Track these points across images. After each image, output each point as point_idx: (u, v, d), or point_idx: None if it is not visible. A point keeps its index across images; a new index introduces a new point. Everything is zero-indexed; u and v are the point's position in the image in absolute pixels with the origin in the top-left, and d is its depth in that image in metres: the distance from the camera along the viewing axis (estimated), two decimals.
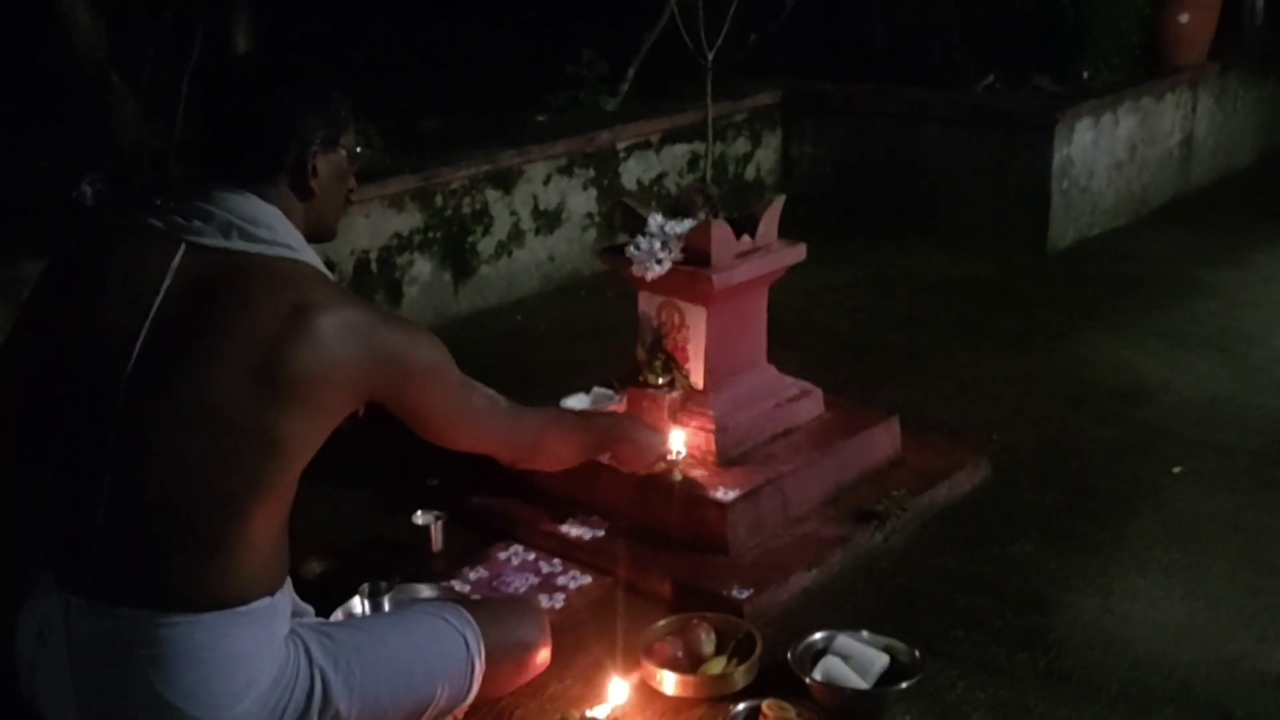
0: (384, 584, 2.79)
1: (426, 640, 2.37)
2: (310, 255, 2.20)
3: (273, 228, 2.15)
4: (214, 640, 2.09)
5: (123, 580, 2.09)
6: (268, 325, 2.05)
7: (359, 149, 2.36)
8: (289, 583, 2.29)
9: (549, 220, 5.40)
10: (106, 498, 2.09)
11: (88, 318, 2.13)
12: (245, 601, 2.12)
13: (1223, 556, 3.14)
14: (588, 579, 3.05)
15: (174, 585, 2.08)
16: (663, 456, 3.08)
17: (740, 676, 2.61)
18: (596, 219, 5.57)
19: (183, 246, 2.12)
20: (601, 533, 3.18)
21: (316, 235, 2.30)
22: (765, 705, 2.46)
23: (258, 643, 2.14)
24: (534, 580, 3.05)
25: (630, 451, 2.97)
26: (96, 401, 2.10)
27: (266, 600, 2.16)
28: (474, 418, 2.43)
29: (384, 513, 3.37)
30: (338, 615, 2.73)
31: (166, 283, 2.10)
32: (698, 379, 3.31)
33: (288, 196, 2.21)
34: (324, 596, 2.77)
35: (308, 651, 2.22)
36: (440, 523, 3.20)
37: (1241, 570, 3.08)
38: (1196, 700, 2.59)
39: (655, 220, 3.23)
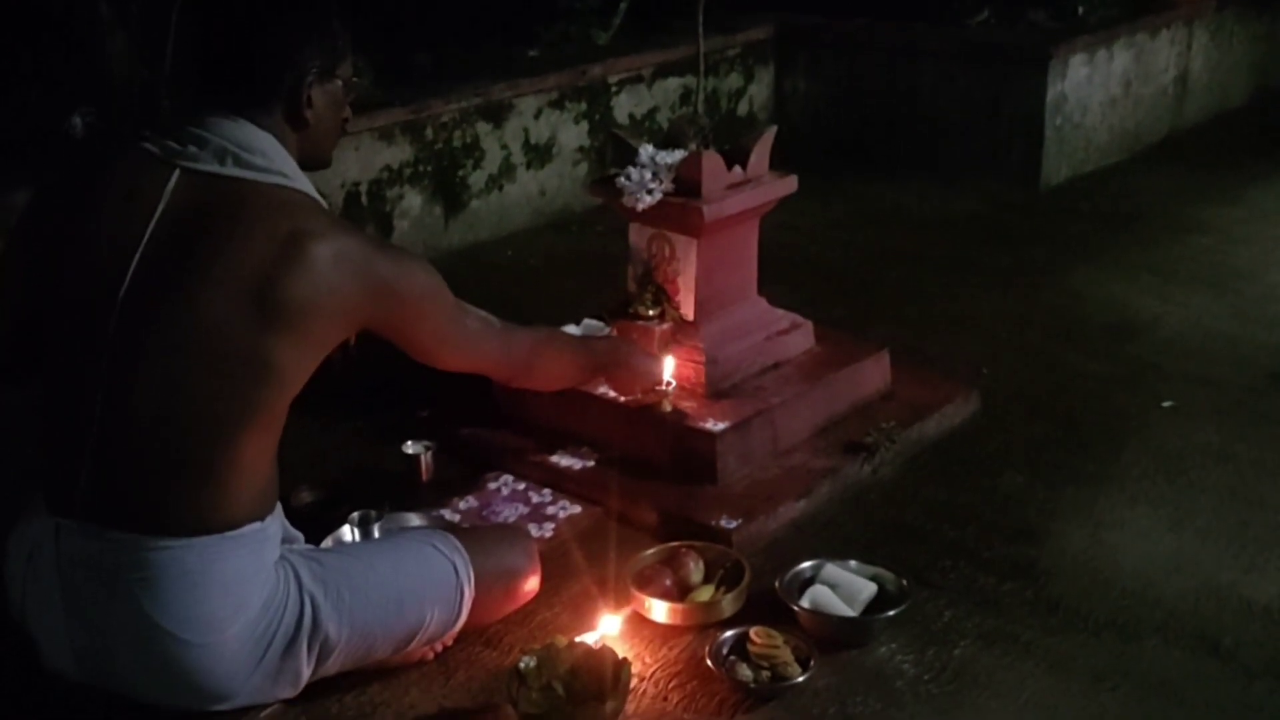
0: (374, 513, 2.80)
1: (416, 567, 2.38)
2: (305, 184, 2.20)
3: (268, 155, 2.15)
4: (204, 565, 2.10)
5: (113, 503, 2.09)
6: (263, 252, 2.05)
7: (355, 79, 2.34)
8: (279, 509, 2.30)
9: (540, 154, 5.36)
10: (98, 420, 2.09)
11: (82, 240, 2.12)
12: (236, 526, 2.13)
13: (1211, 489, 3.15)
14: (577, 509, 3.05)
15: (164, 509, 2.09)
16: (659, 383, 3.08)
17: (728, 604, 2.62)
18: (588, 153, 5.53)
19: (177, 171, 2.11)
20: (591, 463, 3.18)
21: (311, 164, 2.29)
22: (753, 632, 2.47)
23: (248, 568, 2.15)
24: (523, 510, 3.05)
25: (626, 377, 3.02)
26: (90, 324, 2.09)
27: (257, 525, 2.17)
28: (468, 340, 2.46)
29: (374, 443, 3.36)
30: (328, 543, 2.73)
31: (161, 206, 2.09)
32: (688, 311, 3.30)
33: (282, 125, 2.21)
34: (314, 525, 2.78)
35: (297, 577, 2.23)
36: (430, 453, 3.20)
37: (1230, 502, 3.09)
38: (1183, 629, 2.61)
39: (646, 150, 3.21)
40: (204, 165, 2.12)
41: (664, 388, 3.14)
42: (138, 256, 2.08)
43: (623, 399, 3.17)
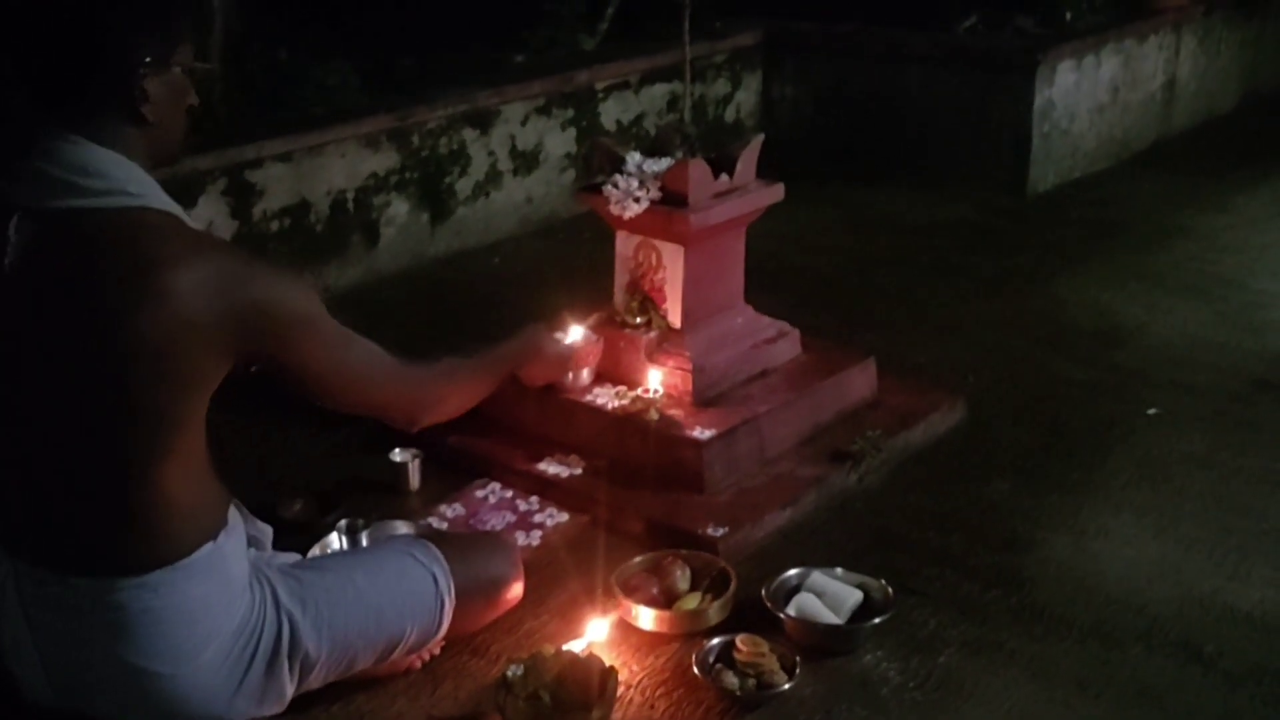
0: (361, 521, 2.80)
1: (395, 578, 2.36)
2: (156, 198, 2.02)
3: (107, 175, 1.97)
4: (163, 599, 2.07)
5: (57, 551, 2.07)
6: (110, 290, 1.92)
7: (199, 64, 2.16)
8: (235, 519, 2.24)
9: (526, 161, 5.36)
10: (17, 474, 2.06)
11: None
12: (186, 554, 2.09)
13: (1195, 496, 3.16)
14: (564, 517, 3.06)
15: (106, 552, 2.06)
16: (571, 366, 3.01)
17: (715, 612, 2.62)
18: (575, 160, 5.54)
19: (15, 217, 1.98)
20: (579, 471, 3.19)
21: (160, 160, 2.11)
22: (739, 640, 2.48)
23: (211, 592, 2.12)
24: (511, 518, 3.06)
25: (539, 371, 2.84)
26: None
27: (209, 546, 2.12)
28: (357, 373, 2.22)
29: (361, 451, 3.36)
30: (315, 552, 2.74)
31: (7, 258, 1.98)
32: (675, 319, 3.31)
33: (122, 131, 2.01)
34: (303, 534, 2.78)
35: (275, 596, 2.21)
36: (418, 461, 3.20)
37: (1214, 510, 3.10)
38: (1166, 636, 2.62)
39: (633, 159, 3.22)
40: (40, 202, 1.96)
41: (649, 394, 3.16)
42: (1, 317, 1.99)
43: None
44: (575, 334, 3.11)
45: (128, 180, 1.99)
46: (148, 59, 2.01)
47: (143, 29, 2.01)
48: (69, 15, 1.98)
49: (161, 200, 2.02)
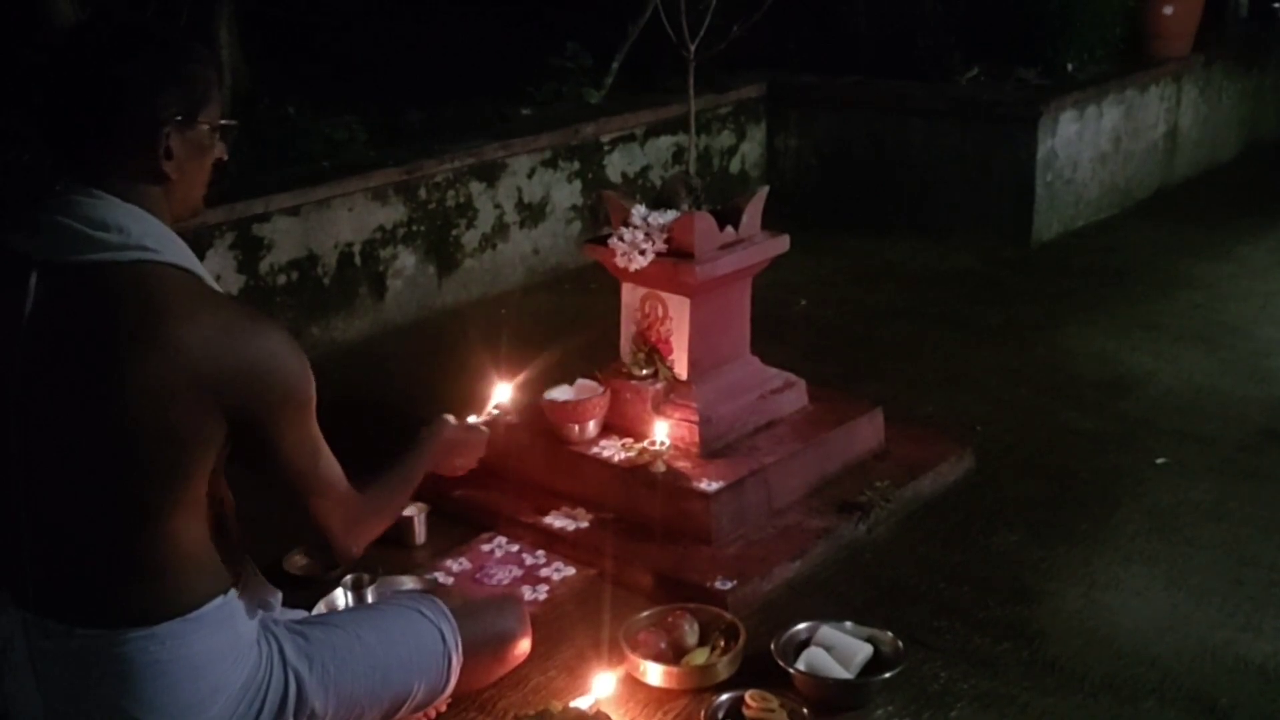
0: (367, 576, 2.79)
1: (402, 635, 2.34)
2: (174, 253, 2.00)
3: (124, 229, 1.96)
4: (171, 651, 2.05)
5: (65, 602, 2.05)
6: (121, 342, 1.92)
7: (226, 122, 2.12)
8: (249, 575, 2.21)
9: (533, 213, 5.39)
10: (26, 529, 2.05)
11: None
12: (195, 606, 2.07)
13: (1205, 547, 3.15)
14: (571, 570, 3.04)
15: (116, 603, 2.04)
16: (480, 449, 2.66)
17: (723, 667, 2.61)
18: (581, 212, 5.56)
19: (35, 272, 1.97)
20: (585, 524, 3.18)
21: (182, 214, 2.09)
22: (748, 696, 2.46)
23: (218, 646, 2.10)
24: (517, 572, 3.05)
25: (457, 460, 2.63)
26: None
27: (219, 600, 2.10)
28: (316, 483, 2.12)
29: None
30: (320, 608, 2.72)
31: (28, 310, 1.98)
32: (681, 370, 3.31)
33: (144, 186, 2.00)
34: (308, 589, 2.76)
35: (281, 652, 2.18)
36: (423, 514, 3.19)
37: (1224, 560, 3.08)
38: (1179, 690, 2.60)
39: (639, 211, 3.23)
40: (59, 256, 1.95)
41: (656, 446, 3.15)
42: (19, 369, 1.99)
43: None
44: (500, 394, 2.80)
45: (145, 235, 1.98)
46: (178, 116, 2.00)
47: (168, 86, 2.00)
48: (93, 71, 1.97)
49: (179, 256, 2.01)
